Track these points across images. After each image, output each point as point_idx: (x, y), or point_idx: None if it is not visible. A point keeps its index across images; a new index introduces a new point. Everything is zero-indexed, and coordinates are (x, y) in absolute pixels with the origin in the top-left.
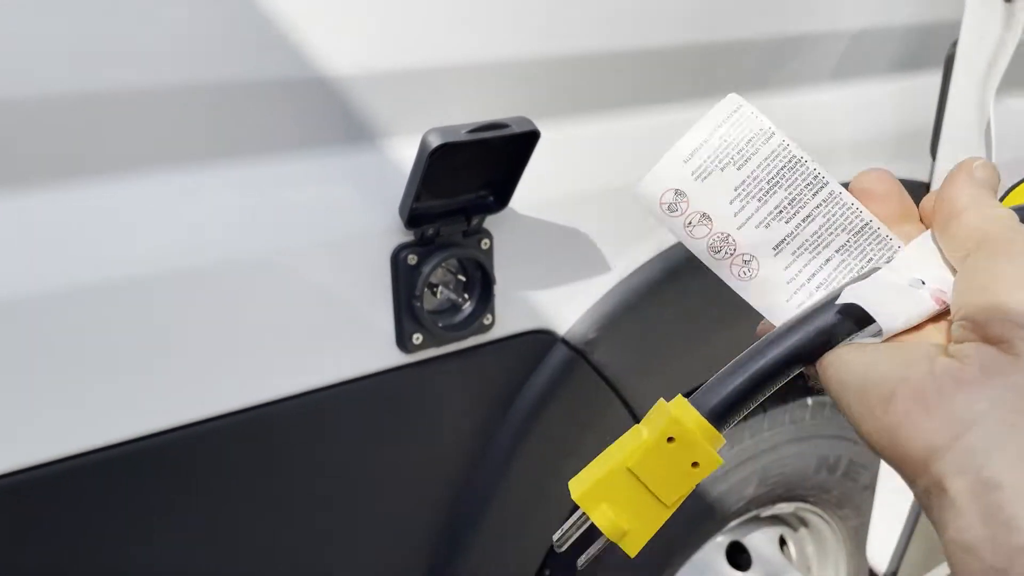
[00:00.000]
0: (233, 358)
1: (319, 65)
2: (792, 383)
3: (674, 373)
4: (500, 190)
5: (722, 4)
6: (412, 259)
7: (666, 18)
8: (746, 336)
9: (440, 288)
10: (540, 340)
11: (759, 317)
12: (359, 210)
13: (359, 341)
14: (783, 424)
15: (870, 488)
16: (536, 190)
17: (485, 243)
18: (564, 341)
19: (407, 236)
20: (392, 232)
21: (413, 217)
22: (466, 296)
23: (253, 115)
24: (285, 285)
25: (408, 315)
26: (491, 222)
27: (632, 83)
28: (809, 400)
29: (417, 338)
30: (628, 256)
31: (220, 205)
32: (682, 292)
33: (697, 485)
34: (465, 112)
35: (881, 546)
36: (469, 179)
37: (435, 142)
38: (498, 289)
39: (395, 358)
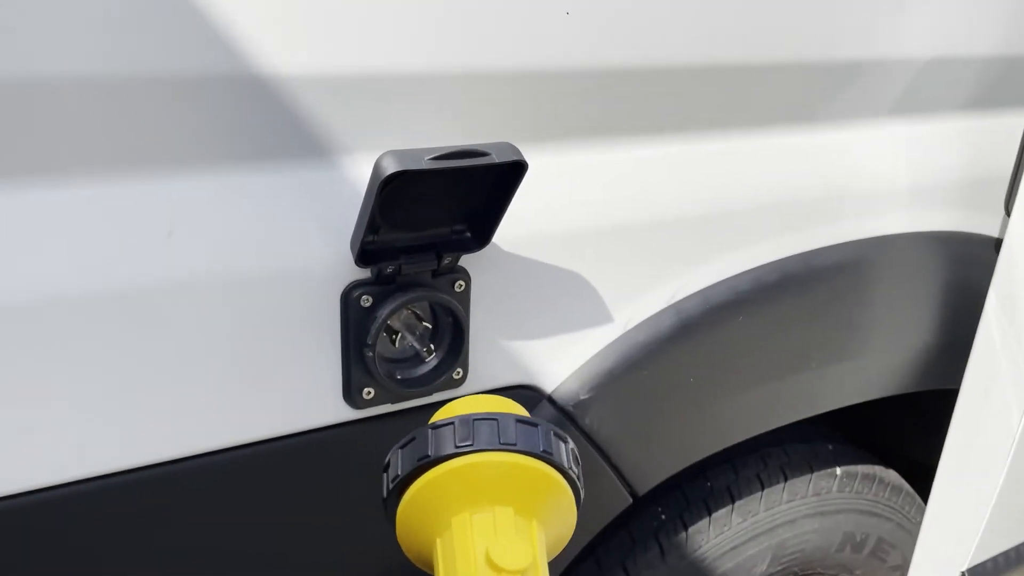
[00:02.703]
0: (139, 405)
1: (253, 61)
2: (820, 448)
3: (675, 443)
4: (480, 225)
5: (757, 18)
6: (366, 300)
7: (688, 30)
8: (761, 406)
9: (400, 335)
10: (522, 398)
11: (782, 387)
12: (303, 238)
13: (297, 392)
14: (805, 496)
15: (900, 569)
16: (525, 225)
17: (459, 285)
18: (551, 400)
19: (363, 273)
20: (344, 267)
21: (367, 252)
22: (432, 346)
23: (165, 116)
24: (207, 322)
25: (358, 365)
26: (469, 261)
27: (642, 106)
28: (838, 470)
29: (367, 392)
30: (633, 306)
31: (121, 223)
32: (695, 352)
33: (701, 560)
34: (446, 130)
35: None
36: (441, 211)
37: (389, 169)
38: (474, 338)
39: (340, 413)
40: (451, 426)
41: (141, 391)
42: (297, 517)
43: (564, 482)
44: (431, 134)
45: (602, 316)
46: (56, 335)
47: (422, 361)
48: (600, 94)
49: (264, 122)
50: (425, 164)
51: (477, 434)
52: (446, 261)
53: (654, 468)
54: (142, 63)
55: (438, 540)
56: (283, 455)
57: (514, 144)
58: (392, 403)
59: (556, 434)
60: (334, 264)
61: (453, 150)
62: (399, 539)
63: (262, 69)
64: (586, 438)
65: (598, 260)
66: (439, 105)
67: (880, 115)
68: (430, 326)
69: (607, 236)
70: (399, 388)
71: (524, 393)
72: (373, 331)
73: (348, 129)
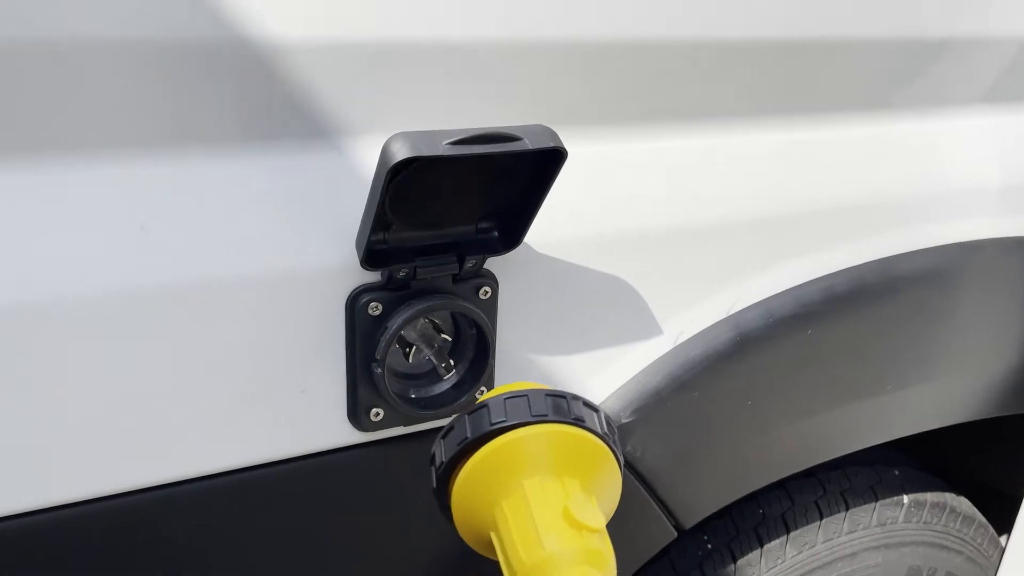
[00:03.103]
0: (121, 427)
1: (240, 25)
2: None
3: (728, 473)
4: (509, 222)
5: None
6: (375, 308)
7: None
8: (828, 433)
9: (415, 348)
10: None
11: (853, 412)
12: (302, 234)
13: (295, 412)
14: (868, 526)
15: None
16: (563, 223)
17: (485, 292)
18: None
19: (372, 277)
20: (350, 269)
21: (375, 253)
22: (452, 361)
23: (132, 90)
24: (186, 332)
25: (365, 382)
26: (496, 264)
27: (699, 88)
28: (905, 498)
29: (376, 413)
30: (685, 317)
31: (82, 215)
32: (754, 371)
33: None
34: (473, 109)
35: None
36: (464, 205)
37: (399, 155)
38: (501, 351)
39: (344, 435)
40: (524, 398)
41: (111, 412)
42: (295, 550)
43: (613, 456)
44: (456, 114)
45: (649, 329)
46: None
47: (440, 378)
48: (654, 73)
49: (254, 98)
50: (443, 149)
51: (552, 407)
52: (469, 264)
53: (703, 500)
54: (106, 24)
55: (504, 503)
56: (279, 483)
57: (551, 128)
58: (404, 425)
59: (587, 404)
60: (339, 265)
61: (477, 133)
62: (456, 519)
63: (251, 35)
64: (627, 466)
65: (646, 265)
66: (466, 80)
67: (971, 103)
68: (449, 338)
69: (657, 238)
70: (412, 409)
71: None
72: (383, 344)
73: (356, 108)
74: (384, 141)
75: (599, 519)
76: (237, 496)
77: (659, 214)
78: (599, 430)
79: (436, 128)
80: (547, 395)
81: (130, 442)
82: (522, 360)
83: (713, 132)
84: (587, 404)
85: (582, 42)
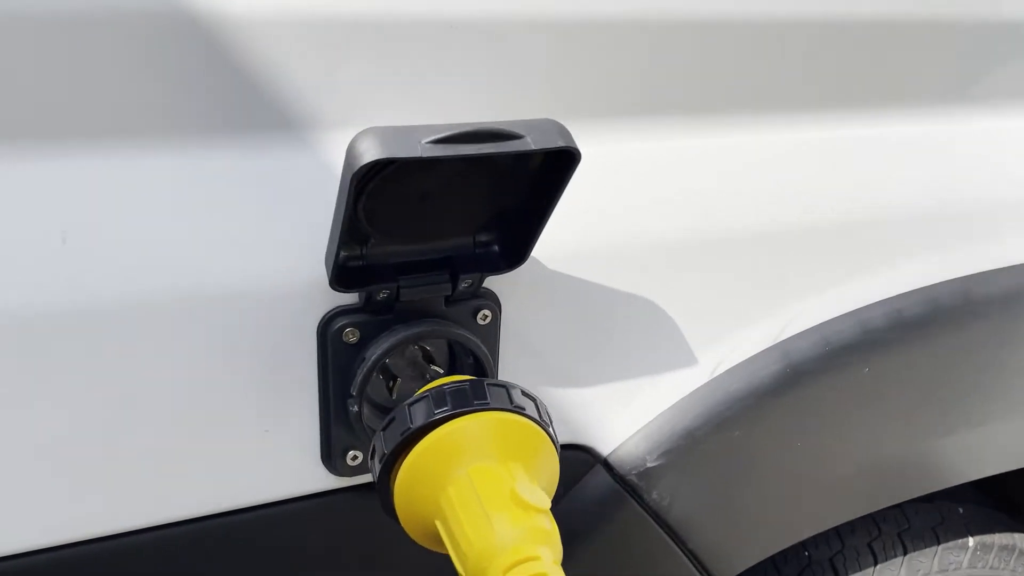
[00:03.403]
0: (45, 475)
1: None
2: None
3: (772, 522)
4: (513, 235)
5: None
6: (351, 335)
7: None
8: (894, 476)
9: (400, 381)
10: (570, 460)
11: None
12: (264, 245)
13: (260, 454)
14: (929, 572)
15: None
16: (577, 234)
17: (484, 315)
18: (607, 465)
19: (349, 297)
20: (323, 288)
21: (348, 271)
22: None
23: (49, 71)
24: (128, 361)
25: (340, 421)
26: (499, 282)
27: (744, 76)
28: (971, 540)
29: (353, 456)
30: (725, 345)
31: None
32: (806, 408)
33: None
34: (470, 99)
35: None
36: (458, 215)
37: (367, 156)
38: (503, 378)
39: (317, 481)
40: (466, 387)
41: (31, 460)
42: None
43: (551, 441)
44: (449, 105)
45: (681, 358)
46: None
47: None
48: (693, 55)
49: (202, 80)
50: (421, 150)
51: (492, 395)
52: (465, 284)
53: (742, 553)
54: None
55: (450, 489)
56: (244, 532)
57: (560, 123)
58: None
59: (524, 392)
60: (309, 283)
61: (466, 129)
62: (399, 509)
63: (198, 6)
64: (653, 516)
65: (679, 283)
66: (461, 64)
67: None
68: (442, 370)
69: (692, 251)
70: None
71: (572, 455)
72: (360, 378)
73: (329, 96)
74: (354, 135)
75: (545, 500)
76: (195, 548)
77: (695, 222)
78: (538, 418)
79: (427, 121)
80: (488, 384)
81: (58, 492)
82: (532, 391)
83: (759, 127)
84: (525, 393)
85: (603, 17)
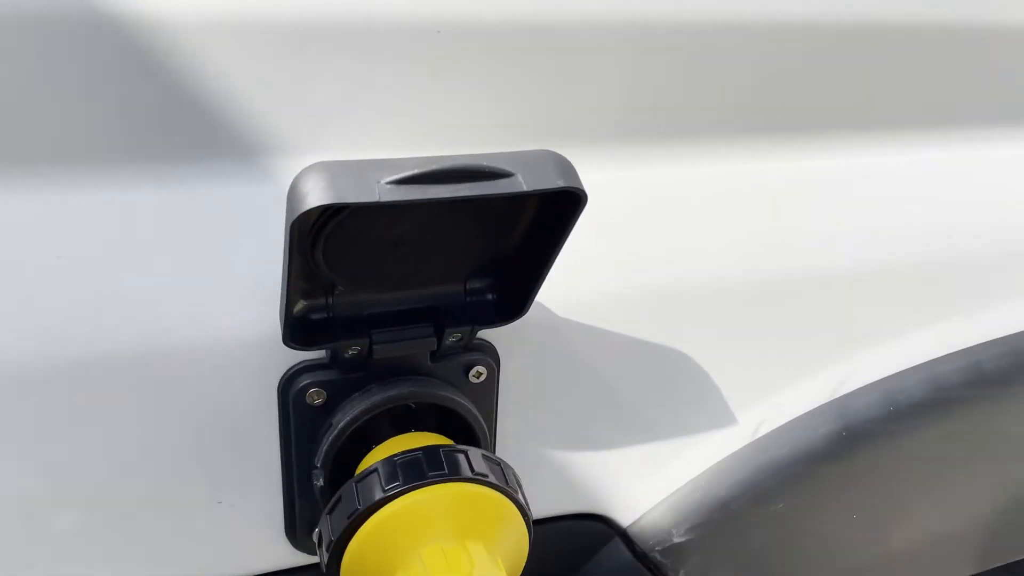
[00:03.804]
0: None
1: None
2: None
3: None
4: (511, 282)
5: None
6: (316, 396)
7: None
8: (962, 554)
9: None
10: (583, 531)
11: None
12: (216, 290)
13: (213, 528)
14: None
15: None
16: (594, 275)
17: (478, 373)
18: (625, 538)
19: (313, 352)
20: (282, 345)
21: (304, 325)
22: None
23: None
24: (55, 423)
25: (304, 494)
26: (498, 333)
27: (790, 89)
28: None
29: (319, 533)
30: (768, 403)
31: None
32: (866, 476)
33: None
34: (453, 122)
35: None
36: (444, 259)
37: (308, 201)
38: (504, 444)
39: (280, 557)
40: (418, 457)
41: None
42: None
43: (520, 513)
44: (433, 127)
45: (717, 417)
46: None
47: None
48: (736, 66)
49: (140, 99)
50: (379, 192)
51: (449, 464)
52: (453, 338)
53: None
54: None
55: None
56: None
57: (560, 155)
58: None
59: (486, 456)
60: (267, 335)
61: (437, 167)
62: None
63: (123, 9)
64: None
65: (715, 332)
66: (449, 77)
67: None
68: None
69: (731, 293)
70: None
71: (587, 526)
72: (325, 446)
73: (293, 118)
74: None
75: None
76: None
77: (736, 263)
78: (503, 485)
79: (408, 146)
80: (444, 451)
81: None
82: (532, 459)
83: (809, 150)
84: (488, 457)
85: (623, 19)
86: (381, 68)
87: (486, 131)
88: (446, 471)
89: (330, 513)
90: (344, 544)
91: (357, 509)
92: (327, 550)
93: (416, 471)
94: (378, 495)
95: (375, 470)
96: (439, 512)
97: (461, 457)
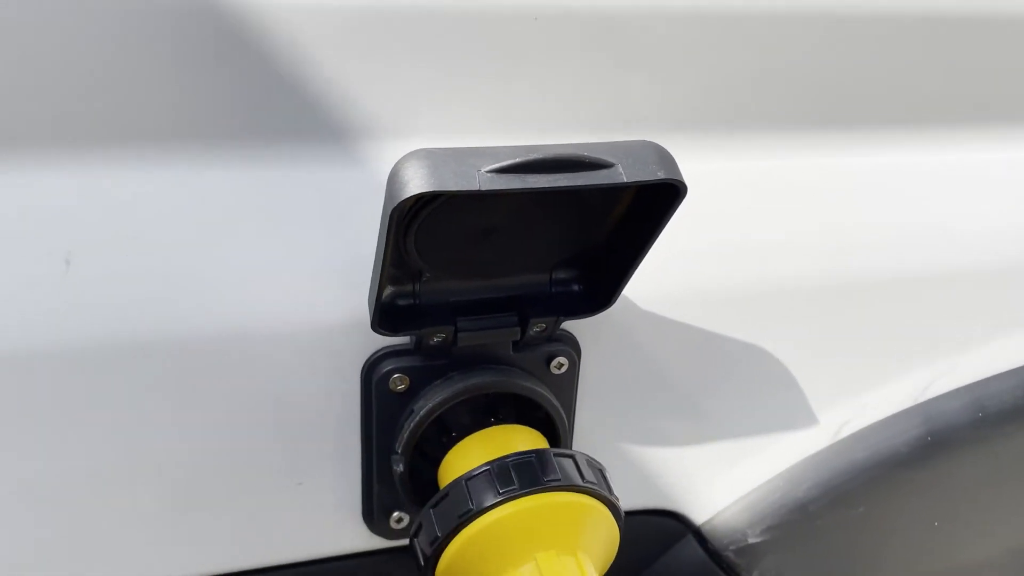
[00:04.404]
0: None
1: None
2: None
3: None
4: (599, 274)
5: None
6: (399, 382)
7: None
8: None
9: (454, 435)
10: (656, 527)
11: None
12: (300, 275)
13: (293, 509)
14: None
15: None
16: (680, 269)
17: (559, 363)
18: (699, 535)
19: (397, 339)
20: (367, 329)
21: (393, 310)
22: None
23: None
24: (139, 404)
25: (383, 479)
26: (579, 325)
27: (885, 80)
28: None
29: (398, 519)
30: (851, 403)
31: None
32: (950, 482)
33: None
34: (552, 113)
35: None
36: (532, 248)
37: (411, 188)
38: (581, 437)
39: (358, 540)
40: (531, 460)
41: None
42: None
43: (614, 519)
44: (527, 115)
45: (798, 416)
46: None
47: None
48: (848, 51)
49: (230, 80)
50: (479, 180)
51: (563, 471)
52: (537, 328)
53: None
54: None
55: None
56: None
57: (661, 147)
58: None
59: (590, 461)
60: (353, 319)
61: (538, 156)
62: None
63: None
64: None
65: (800, 329)
66: (545, 64)
67: None
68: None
69: (817, 290)
70: None
71: (659, 522)
72: (407, 433)
73: (381, 100)
74: (398, 159)
75: None
76: None
77: (822, 256)
78: (608, 494)
79: (498, 133)
80: (556, 455)
81: (62, 548)
82: (607, 452)
83: (907, 143)
84: (591, 462)
85: (718, 8)
86: (474, 54)
87: (575, 119)
88: (560, 478)
89: (434, 507)
90: (448, 542)
91: (470, 509)
92: (430, 544)
93: (531, 476)
94: (493, 497)
95: (488, 470)
96: (550, 518)
97: (570, 463)
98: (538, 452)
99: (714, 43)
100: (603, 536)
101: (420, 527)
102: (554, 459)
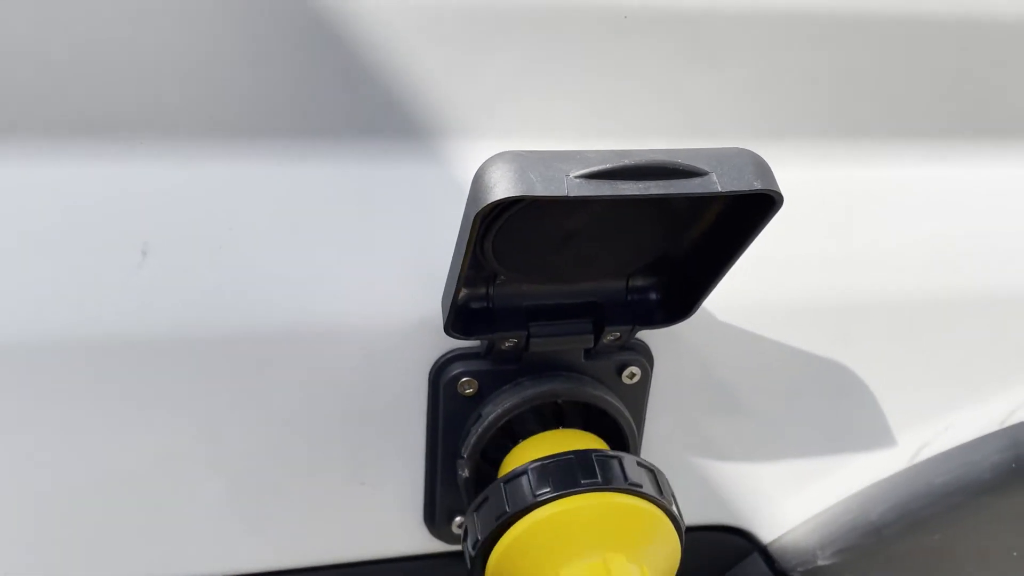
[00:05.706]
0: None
1: None
2: None
3: None
4: (679, 283)
5: None
6: (467, 386)
7: None
8: None
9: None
10: (722, 544)
11: None
12: (372, 275)
13: (355, 509)
14: None
15: None
16: (761, 281)
17: (632, 373)
18: (766, 554)
19: (467, 342)
20: (437, 327)
21: (467, 314)
22: None
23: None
24: (208, 398)
25: (447, 482)
26: (653, 334)
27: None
28: None
29: (460, 524)
30: (933, 425)
31: (57, 227)
32: None
33: None
34: (638, 117)
35: None
36: (609, 255)
37: (497, 191)
38: (649, 449)
39: (417, 542)
40: (570, 460)
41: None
42: None
43: (665, 516)
44: (613, 118)
45: (875, 436)
46: None
47: None
48: (933, 64)
49: (308, 76)
50: (568, 186)
51: (604, 472)
52: (611, 337)
53: None
54: None
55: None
56: None
57: (757, 155)
58: None
59: (640, 463)
60: (423, 320)
61: (629, 162)
62: None
63: None
64: None
65: (883, 346)
66: (633, 66)
67: None
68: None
69: (902, 306)
70: None
71: (726, 539)
72: (473, 438)
73: (463, 99)
74: (486, 159)
75: None
76: None
77: (908, 272)
78: (657, 495)
79: (581, 137)
80: (596, 456)
81: (131, 539)
82: (675, 465)
83: (999, 158)
84: (641, 463)
85: (812, 12)
86: (560, 53)
87: (660, 124)
88: (599, 479)
89: (476, 510)
90: (491, 545)
91: (506, 512)
92: (473, 548)
93: (569, 477)
94: (528, 499)
95: (525, 472)
96: (592, 520)
97: (615, 463)
98: (579, 453)
99: (813, 46)
100: (655, 538)
101: (466, 531)
102: (596, 460)
